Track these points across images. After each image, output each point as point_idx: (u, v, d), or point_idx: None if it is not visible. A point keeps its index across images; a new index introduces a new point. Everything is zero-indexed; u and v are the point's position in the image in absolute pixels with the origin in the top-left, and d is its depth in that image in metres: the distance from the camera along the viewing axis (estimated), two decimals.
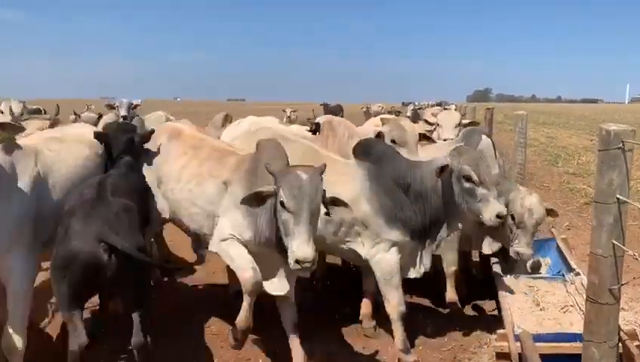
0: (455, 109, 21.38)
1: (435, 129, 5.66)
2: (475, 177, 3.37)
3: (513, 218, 3.93)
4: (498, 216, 3.38)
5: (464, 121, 5.71)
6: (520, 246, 3.92)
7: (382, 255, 3.62)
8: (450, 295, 4.42)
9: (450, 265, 4.40)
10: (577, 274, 3.99)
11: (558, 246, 4.74)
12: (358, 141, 4.04)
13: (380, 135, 4.30)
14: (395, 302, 3.65)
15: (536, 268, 4.43)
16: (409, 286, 4.14)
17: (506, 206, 3.76)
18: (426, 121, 6.12)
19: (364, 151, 3.81)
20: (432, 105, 32.89)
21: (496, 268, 4.22)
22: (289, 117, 14.36)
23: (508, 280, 4.04)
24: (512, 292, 3.88)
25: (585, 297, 2.56)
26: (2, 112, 6.99)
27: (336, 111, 21.66)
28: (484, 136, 4.61)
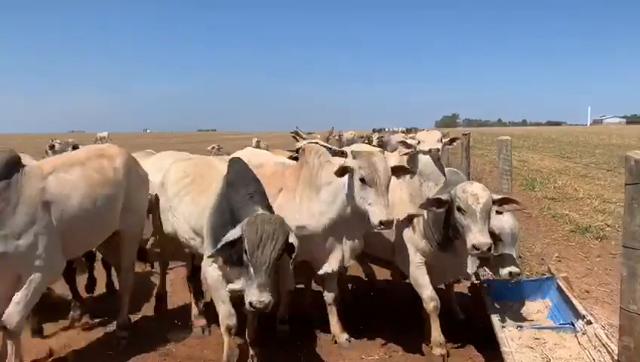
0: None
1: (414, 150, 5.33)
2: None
3: (461, 210, 3.56)
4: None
5: (445, 140, 5.36)
6: (474, 238, 3.44)
7: (206, 269, 3.72)
8: (436, 337, 4.00)
9: (428, 301, 4.04)
10: (589, 322, 3.46)
11: (558, 286, 4.24)
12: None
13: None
14: (221, 316, 3.72)
15: (515, 274, 4.05)
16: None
17: (451, 199, 3.63)
18: (404, 143, 5.78)
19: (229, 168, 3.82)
20: (402, 132, 33.02)
21: (495, 318, 3.68)
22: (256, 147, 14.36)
23: (510, 332, 3.51)
24: (516, 346, 3.34)
25: (601, 350, 2.05)
26: None
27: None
28: (420, 155, 4.32)
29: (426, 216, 3.98)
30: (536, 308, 4.31)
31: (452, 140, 5.60)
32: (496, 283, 4.56)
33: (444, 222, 3.77)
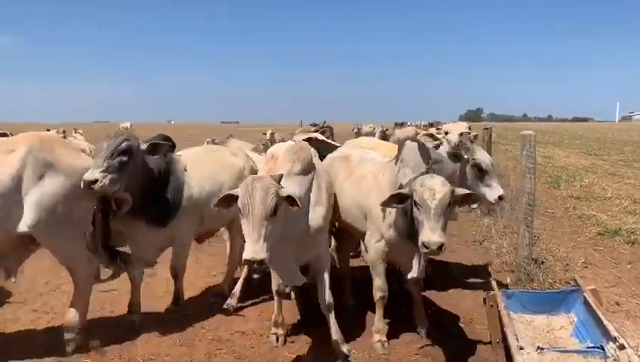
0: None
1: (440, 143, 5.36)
2: None
3: (417, 204, 3.37)
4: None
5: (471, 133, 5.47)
6: (424, 235, 3.25)
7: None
8: (377, 324, 4.23)
9: (376, 290, 4.20)
10: (622, 347, 2.99)
11: (585, 299, 3.77)
12: None
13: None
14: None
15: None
16: None
17: (411, 194, 3.45)
18: (432, 136, 5.70)
19: None
20: (425, 126, 32.42)
21: (512, 338, 3.23)
22: (268, 140, 14.67)
23: (529, 355, 3.05)
24: None
25: None
26: None
27: (325, 131, 22.83)
28: (407, 142, 4.16)
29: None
30: (559, 323, 3.85)
31: (475, 137, 5.70)
32: (516, 293, 4.12)
33: (410, 215, 3.54)
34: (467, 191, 3.53)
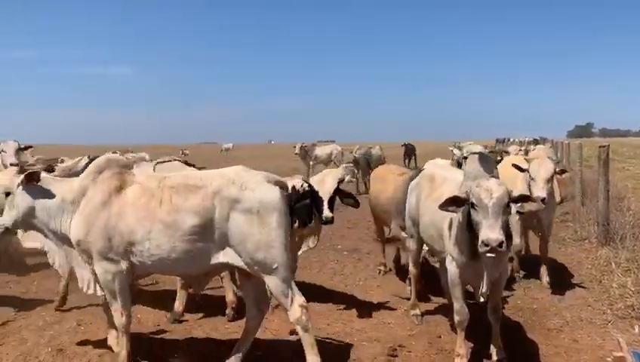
0: (551, 146, 19.20)
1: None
2: None
3: (474, 206, 3.52)
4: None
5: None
6: (483, 234, 3.41)
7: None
8: (457, 349, 4.20)
9: (455, 314, 4.12)
10: None
11: None
12: None
13: None
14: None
15: None
16: None
17: (467, 196, 3.60)
18: (517, 167, 5.94)
19: None
20: (529, 143, 30.47)
21: None
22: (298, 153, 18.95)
23: None
24: None
25: None
26: (5, 152, 7.48)
27: (410, 151, 24.89)
28: (471, 155, 4.15)
29: (460, 219, 3.79)
30: None
31: (562, 171, 6.14)
32: None
33: (468, 225, 3.65)
34: (523, 193, 3.82)
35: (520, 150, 12.53)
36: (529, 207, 3.67)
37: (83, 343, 4.46)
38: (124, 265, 3.71)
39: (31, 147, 8.36)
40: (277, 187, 3.69)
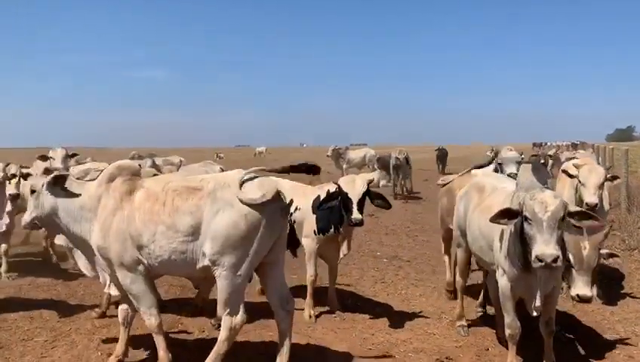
0: (592, 151, 18.61)
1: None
2: None
3: (527, 219, 3.40)
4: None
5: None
6: (537, 249, 3.31)
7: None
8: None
9: (506, 327, 3.97)
10: None
11: None
12: None
13: None
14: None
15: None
16: None
17: (521, 209, 3.48)
18: (566, 173, 5.87)
19: None
20: (568, 147, 29.69)
21: None
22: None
23: None
24: None
25: None
26: (54, 158, 7.68)
27: (443, 155, 24.63)
28: (524, 165, 4.30)
29: (512, 230, 3.66)
30: None
31: (614, 178, 5.97)
32: None
33: (521, 237, 3.54)
34: (581, 209, 3.64)
35: (574, 153, 12.12)
36: (587, 223, 3.54)
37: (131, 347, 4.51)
38: (140, 267, 3.79)
39: (77, 155, 8.62)
40: (261, 191, 3.61)
